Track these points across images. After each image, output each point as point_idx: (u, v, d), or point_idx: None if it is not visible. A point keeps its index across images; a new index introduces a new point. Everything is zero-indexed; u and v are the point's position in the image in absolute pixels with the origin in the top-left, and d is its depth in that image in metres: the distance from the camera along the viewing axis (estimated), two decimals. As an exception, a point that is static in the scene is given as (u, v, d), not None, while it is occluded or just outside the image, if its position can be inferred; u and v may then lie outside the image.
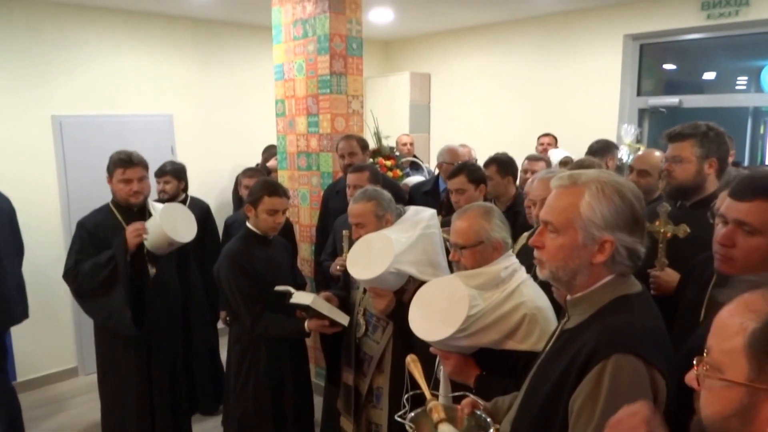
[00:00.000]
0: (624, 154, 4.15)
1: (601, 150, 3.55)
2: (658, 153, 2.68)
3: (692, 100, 4.73)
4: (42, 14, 4.18)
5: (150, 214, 2.81)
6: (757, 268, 1.24)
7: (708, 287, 1.57)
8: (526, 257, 1.77)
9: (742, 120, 4.82)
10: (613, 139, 4.24)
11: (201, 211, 3.57)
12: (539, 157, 3.76)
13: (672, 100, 4.77)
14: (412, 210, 2.37)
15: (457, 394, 1.60)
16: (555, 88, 5.23)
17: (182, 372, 3.06)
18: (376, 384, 2.30)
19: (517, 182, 3.44)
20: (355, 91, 3.67)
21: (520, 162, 3.63)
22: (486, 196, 3.08)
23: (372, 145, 4.24)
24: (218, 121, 5.20)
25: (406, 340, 1.97)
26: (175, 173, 3.76)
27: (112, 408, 2.84)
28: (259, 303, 2.52)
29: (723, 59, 4.84)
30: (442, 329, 1.62)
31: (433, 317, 1.68)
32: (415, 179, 4.50)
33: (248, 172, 3.90)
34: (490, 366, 1.67)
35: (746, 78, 4.66)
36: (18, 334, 3.88)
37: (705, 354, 0.82)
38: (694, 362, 0.84)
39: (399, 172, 4.54)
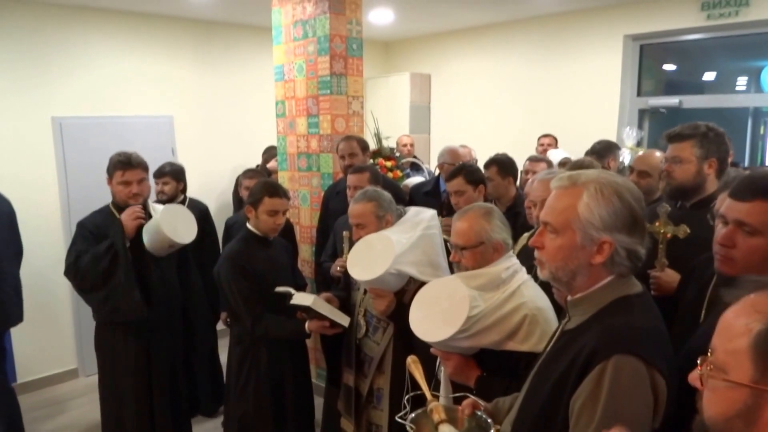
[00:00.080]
0: (626, 158, 4.14)
1: (603, 151, 3.54)
2: (658, 154, 2.68)
3: (692, 101, 4.73)
4: (43, 16, 4.18)
5: (150, 216, 2.80)
6: (757, 268, 1.24)
7: (708, 288, 1.56)
8: (526, 258, 1.77)
9: (742, 120, 4.82)
10: (613, 140, 4.23)
11: (199, 213, 3.56)
12: (540, 158, 3.75)
13: (672, 100, 4.76)
14: (412, 211, 2.37)
15: (457, 395, 1.60)
16: (555, 88, 5.22)
17: (182, 373, 3.06)
18: (377, 385, 2.29)
19: (518, 183, 3.44)
20: (356, 92, 3.67)
21: (520, 163, 3.62)
22: (486, 197, 3.07)
23: (372, 145, 4.23)
24: (219, 122, 5.20)
25: (406, 341, 1.96)
26: (173, 174, 3.76)
27: (111, 409, 2.84)
28: (259, 304, 2.52)
29: (723, 60, 4.84)
30: (442, 330, 1.62)
31: (434, 318, 1.67)
32: (415, 180, 4.49)
33: (248, 173, 3.91)
34: (491, 367, 1.67)
35: (746, 78, 4.66)
36: (18, 335, 3.89)
37: (709, 354, 0.82)
38: (698, 362, 0.83)
39: (399, 173, 4.53)
